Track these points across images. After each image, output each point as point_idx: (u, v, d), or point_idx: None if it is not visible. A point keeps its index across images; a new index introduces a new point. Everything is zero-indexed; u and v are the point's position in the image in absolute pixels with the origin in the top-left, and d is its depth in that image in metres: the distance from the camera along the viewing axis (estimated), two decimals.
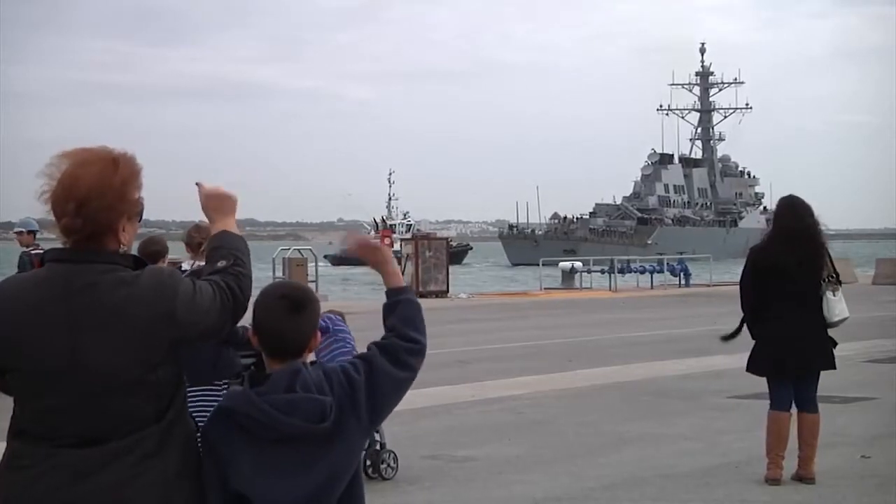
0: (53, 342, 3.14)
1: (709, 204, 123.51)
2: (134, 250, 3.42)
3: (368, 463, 9.12)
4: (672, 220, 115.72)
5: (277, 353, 3.38)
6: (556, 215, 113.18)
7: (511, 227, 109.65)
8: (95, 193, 3.15)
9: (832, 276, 8.86)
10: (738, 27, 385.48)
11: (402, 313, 3.49)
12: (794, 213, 8.96)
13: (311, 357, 3.49)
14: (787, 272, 8.74)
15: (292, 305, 3.39)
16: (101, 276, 3.16)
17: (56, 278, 3.19)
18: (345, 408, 3.34)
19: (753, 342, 9.04)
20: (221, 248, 3.36)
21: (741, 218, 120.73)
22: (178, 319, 3.15)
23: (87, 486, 3.12)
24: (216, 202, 3.47)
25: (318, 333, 3.47)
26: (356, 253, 3.59)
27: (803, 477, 8.78)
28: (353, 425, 3.36)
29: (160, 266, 3.37)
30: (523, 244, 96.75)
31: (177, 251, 10.16)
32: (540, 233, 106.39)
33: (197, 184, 3.52)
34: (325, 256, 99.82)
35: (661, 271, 45.29)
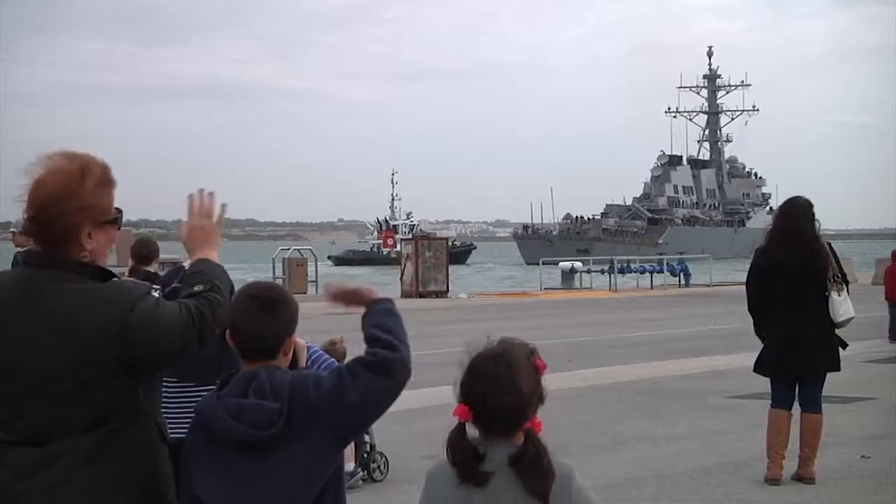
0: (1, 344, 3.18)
1: (717, 204, 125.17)
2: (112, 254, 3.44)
3: (358, 464, 9.11)
4: (682, 220, 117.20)
5: (249, 354, 3.35)
6: (568, 216, 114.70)
7: (525, 227, 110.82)
8: (54, 201, 3.20)
9: (837, 277, 8.84)
10: (735, 27, 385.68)
11: (381, 322, 3.36)
12: (785, 215, 8.99)
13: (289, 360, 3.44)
14: (787, 273, 8.74)
15: (262, 306, 3.34)
16: (54, 283, 3.20)
17: (15, 281, 3.26)
18: (309, 417, 3.24)
19: (763, 343, 9.04)
20: (200, 273, 3.39)
21: (748, 218, 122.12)
22: (128, 337, 3.15)
23: (24, 486, 3.14)
24: (199, 235, 3.50)
25: (294, 336, 3.40)
26: (339, 302, 3.49)
27: (803, 477, 8.77)
28: (317, 436, 3.25)
29: (125, 280, 3.35)
30: (538, 244, 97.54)
31: (177, 251, 10.15)
32: (554, 233, 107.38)
33: (180, 224, 3.55)
34: (329, 257, 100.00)
35: (661, 271, 45.31)
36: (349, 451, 8.91)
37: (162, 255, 9.75)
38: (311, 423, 3.24)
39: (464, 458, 3.13)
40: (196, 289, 3.32)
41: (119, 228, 3.37)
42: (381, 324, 3.36)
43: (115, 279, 3.29)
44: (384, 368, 3.29)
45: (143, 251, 9.01)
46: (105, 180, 3.29)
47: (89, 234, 3.25)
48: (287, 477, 3.24)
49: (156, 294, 3.31)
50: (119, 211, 3.34)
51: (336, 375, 3.30)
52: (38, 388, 3.15)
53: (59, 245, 3.23)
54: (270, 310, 3.34)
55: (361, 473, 9.09)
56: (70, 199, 3.20)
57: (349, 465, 8.94)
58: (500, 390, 3.11)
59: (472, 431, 3.18)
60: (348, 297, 3.47)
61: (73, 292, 3.18)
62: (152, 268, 8.90)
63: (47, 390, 3.15)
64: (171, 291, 3.42)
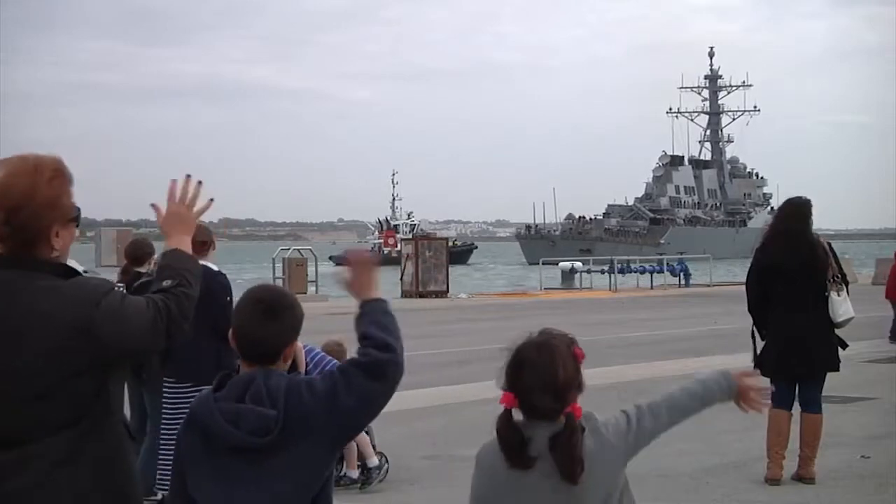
0: None
1: (718, 204, 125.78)
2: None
3: (358, 464, 9.09)
4: (683, 220, 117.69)
5: (250, 357, 3.34)
6: (570, 216, 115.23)
7: (528, 227, 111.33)
8: (25, 202, 3.20)
9: (837, 277, 8.85)
10: (736, 27, 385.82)
11: (376, 320, 3.35)
12: (784, 215, 9.01)
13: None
14: (786, 273, 8.75)
15: (265, 311, 3.33)
16: (24, 284, 3.20)
17: None
18: (304, 422, 3.23)
19: (763, 343, 9.04)
20: (169, 266, 3.38)
21: (750, 218, 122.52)
22: (95, 334, 3.15)
23: (2, 489, 3.14)
24: (175, 220, 3.50)
25: (297, 341, 3.39)
26: (351, 277, 3.45)
27: (803, 477, 8.78)
28: (312, 440, 3.24)
29: (90, 277, 3.37)
30: (541, 244, 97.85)
31: None
32: (556, 233, 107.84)
33: (153, 205, 3.54)
34: (330, 258, 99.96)
35: (661, 271, 45.30)
36: (350, 455, 8.90)
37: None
38: (306, 428, 3.24)
39: (511, 444, 3.37)
40: (165, 284, 3.31)
41: (78, 226, 3.38)
42: (376, 321, 3.35)
43: (80, 276, 3.29)
44: (377, 370, 3.29)
45: (137, 252, 9.04)
46: (63, 178, 3.30)
47: (57, 234, 3.26)
48: (284, 480, 3.24)
49: (121, 289, 3.33)
50: (78, 209, 3.35)
51: (329, 379, 3.30)
52: (10, 389, 3.15)
53: (30, 246, 3.23)
54: (275, 315, 3.33)
55: (361, 478, 9.07)
56: (38, 200, 3.21)
57: (353, 473, 8.93)
58: (543, 378, 3.35)
59: (518, 416, 3.40)
60: (360, 279, 3.45)
61: (40, 291, 3.18)
62: (145, 269, 8.92)
63: (19, 391, 3.15)
64: (143, 284, 3.42)
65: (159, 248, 10.15)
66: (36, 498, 3.13)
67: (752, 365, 9.09)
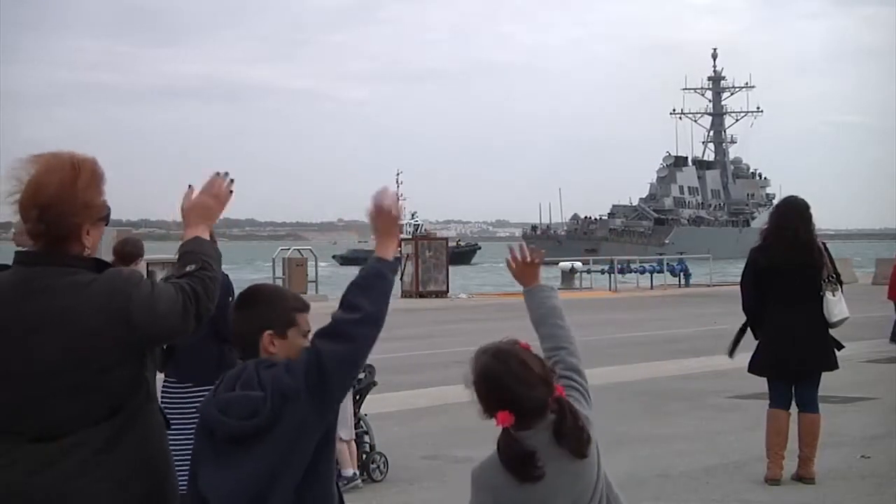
0: (5, 343, 3.22)
1: (722, 205, 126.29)
2: (105, 251, 3.49)
3: (358, 464, 9.07)
4: (687, 220, 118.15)
5: (240, 354, 3.44)
6: (575, 216, 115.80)
7: (534, 227, 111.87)
8: (58, 200, 3.25)
9: (832, 277, 8.84)
10: (736, 28, 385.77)
11: (363, 279, 3.40)
12: (780, 214, 8.99)
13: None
14: (782, 272, 8.74)
15: (237, 304, 3.46)
16: (58, 279, 3.25)
17: (16, 280, 3.29)
18: (288, 399, 3.29)
19: (757, 343, 9.03)
20: (191, 252, 3.43)
21: (753, 218, 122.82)
22: (132, 323, 3.21)
23: (38, 481, 3.19)
24: (200, 210, 3.53)
25: (291, 334, 3.42)
26: (374, 213, 3.47)
27: (803, 477, 8.78)
28: (297, 415, 3.30)
29: (121, 269, 3.41)
30: (546, 244, 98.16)
31: (176, 251, 10.12)
32: (562, 233, 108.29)
33: (190, 186, 3.57)
34: (333, 257, 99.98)
35: (660, 271, 45.29)
36: (351, 455, 8.89)
37: (159, 255, 9.67)
38: (291, 406, 3.29)
39: (520, 460, 3.37)
40: (188, 269, 3.38)
41: (107, 224, 3.45)
42: (361, 280, 3.39)
43: (111, 269, 3.35)
44: (343, 333, 3.33)
45: (127, 249, 8.74)
46: (97, 177, 3.35)
47: (87, 232, 3.32)
48: (279, 454, 3.30)
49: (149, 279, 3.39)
50: (108, 208, 3.40)
51: (305, 354, 3.35)
52: (50, 383, 3.20)
53: (62, 243, 3.28)
54: (243, 307, 3.45)
55: (361, 478, 9.05)
56: (72, 197, 3.26)
57: (348, 471, 8.92)
58: (518, 374, 3.39)
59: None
60: (380, 225, 3.46)
61: (74, 286, 3.23)
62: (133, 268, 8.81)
63: (59, 384, 3.20)
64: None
65: (157, 247, 10.13)
66: (73, 487, 3.19)
67: (729, 353, 9.06)
